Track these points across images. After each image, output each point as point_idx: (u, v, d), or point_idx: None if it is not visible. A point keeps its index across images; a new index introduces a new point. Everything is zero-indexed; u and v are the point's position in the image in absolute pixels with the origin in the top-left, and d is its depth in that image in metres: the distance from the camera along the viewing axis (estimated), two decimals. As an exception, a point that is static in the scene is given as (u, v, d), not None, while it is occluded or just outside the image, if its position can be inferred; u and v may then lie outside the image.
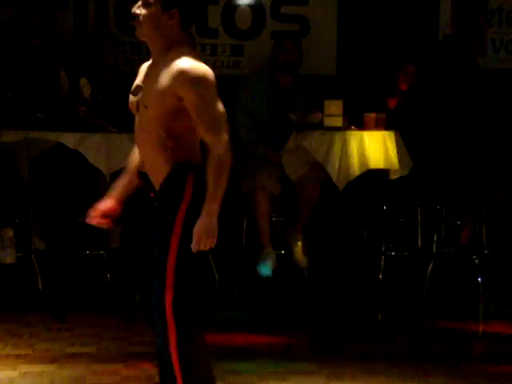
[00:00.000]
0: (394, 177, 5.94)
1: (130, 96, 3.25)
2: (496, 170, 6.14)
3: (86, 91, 6.22)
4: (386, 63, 6.57)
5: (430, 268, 5.98)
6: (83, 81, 6.27)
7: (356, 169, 5.75)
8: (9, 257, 5.73)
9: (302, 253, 6.01)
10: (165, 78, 3.11)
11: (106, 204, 3.35)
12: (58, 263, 6.01)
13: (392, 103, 6.41)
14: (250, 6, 7.03)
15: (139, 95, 3.20)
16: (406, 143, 5.97)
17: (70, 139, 5.70)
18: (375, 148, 5.83)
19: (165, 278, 3.11)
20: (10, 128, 5.64)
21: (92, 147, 5.68)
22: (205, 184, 3.10)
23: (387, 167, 5.89)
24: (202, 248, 3.10)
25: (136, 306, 5.60)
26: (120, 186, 3.38)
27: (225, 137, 3.08)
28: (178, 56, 3.11)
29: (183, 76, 3.07)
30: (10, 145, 5.72)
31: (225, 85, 6.26)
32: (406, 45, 6.82)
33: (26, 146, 5.70)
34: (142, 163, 3.28)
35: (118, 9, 6.92)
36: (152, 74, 3.19)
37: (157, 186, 3.21)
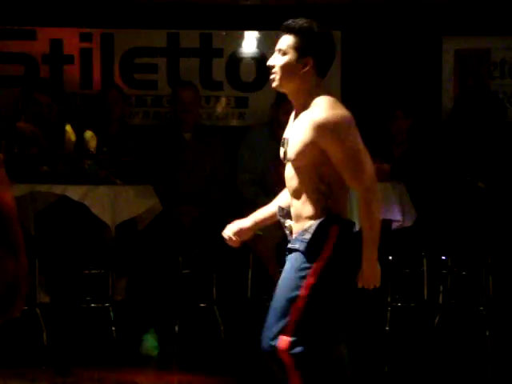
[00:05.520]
0: (395, 227, 5.92)
1: (281, 147, 3.26)
2: (501, 219, 6.12)
3: (92, 144, 6.25)
4: (381, 112, 6.62)
5: (436, 319, 5.94)
6: (89, 134, 6.31)
7: (357, 220, 5.72)
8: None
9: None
10: (304, 131, 3.09)
11: (245, 223, 3.31)
12: (63, 316, 5.98)
13: (397, 152, 6.42)
14: (253, 58, 7.10)
15: (286, 147, 3.20)
16: (410, 193, 5.97)
17: (75, 192, 5.71)
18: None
19: (286, 323, 3.06)
20: (16, 182, 5.65)
21: (97, 200, 5.68)
22: (348, 242, 3.10)
23: (390, 218, 5.87)
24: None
25: (141, 359, 5.57)
26: (262, 215, 3.35)
27: (367, 176, 3.11)
28: (313, 107, 3.09)
29: (321, 128, 3.04)
30: (16, 199, 5.71)
31: (230, 136, 6.32)
32: (408, 95, 6.86)
33: (31, 199, 5.72)
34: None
35: (124, 62, 6.99)
36: (294, 126, 3.19)
37: (297, 229, 3.16)
